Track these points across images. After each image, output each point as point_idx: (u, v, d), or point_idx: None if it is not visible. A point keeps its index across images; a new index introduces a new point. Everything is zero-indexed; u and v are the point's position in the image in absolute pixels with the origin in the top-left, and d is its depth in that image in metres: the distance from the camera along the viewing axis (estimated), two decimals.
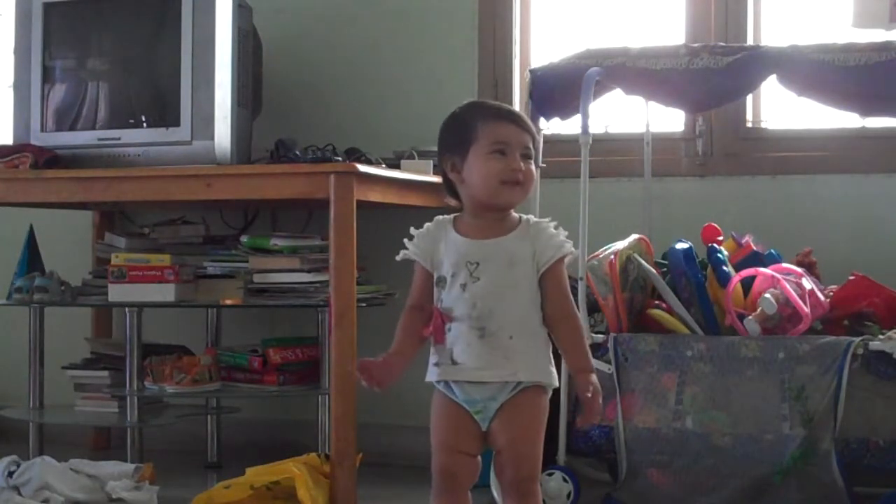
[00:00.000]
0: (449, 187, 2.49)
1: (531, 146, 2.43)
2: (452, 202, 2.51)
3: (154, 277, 3.88)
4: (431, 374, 2.48)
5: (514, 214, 2.47)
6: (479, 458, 2.50)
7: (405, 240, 2.50)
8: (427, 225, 2.49)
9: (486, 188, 2.40)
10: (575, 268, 3.25)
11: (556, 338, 2.43)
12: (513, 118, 2.46)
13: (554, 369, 2.45)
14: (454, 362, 2.42)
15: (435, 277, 2.45)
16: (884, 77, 3.21)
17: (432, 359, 2.47)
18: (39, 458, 3.58)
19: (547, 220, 2.46)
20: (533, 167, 2.43)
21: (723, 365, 3.20)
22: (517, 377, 2.40)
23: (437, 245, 2.45)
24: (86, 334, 4.48)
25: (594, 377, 2.42)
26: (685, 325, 3.33)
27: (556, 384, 2.47)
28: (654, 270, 3.42)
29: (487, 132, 2.41)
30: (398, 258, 2.51)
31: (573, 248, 2.45)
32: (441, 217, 2.50)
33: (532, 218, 2.47)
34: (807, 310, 3.22)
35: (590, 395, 2.40)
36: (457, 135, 2.46)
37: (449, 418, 2.47)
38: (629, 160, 3.93)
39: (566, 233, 2.46)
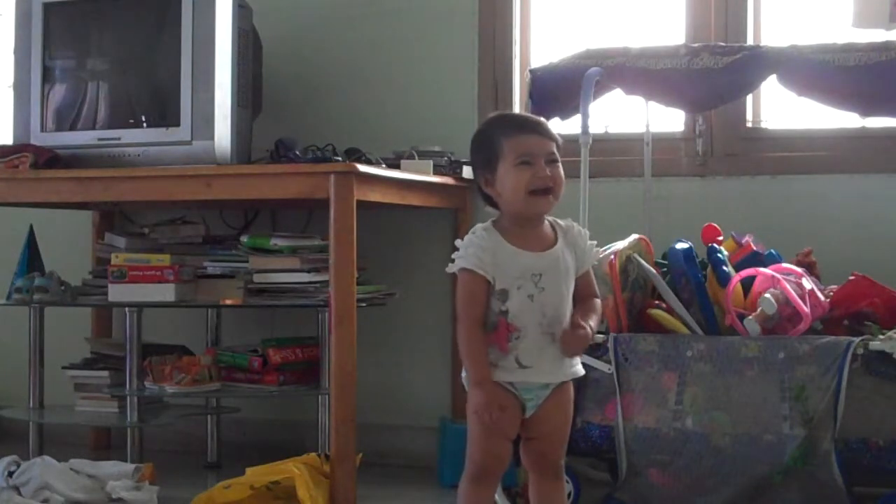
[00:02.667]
0: (486, 198, 2.62)
1: (556, 151, 2.56)
2: (490, 209, 2.63)
3: (154, 277, 3.88)
4: (500, 376, 2.53)
5: (545, 219, 2.60)
6: None
7: (454, 254, 2.55)
8: (476, 236, 2.55)
9: (516, 200, 2.53)
10: None
11: (582, 305, 2.58)
12: (534, 128, 2.57)
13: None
14: (522, 366, 2.52)
15: (495, 290, 2.52)
16: (884, 77, 3.21)
17: (493, 361, 2.53)
18: (39, 458, 3.58)
19: (571, 221, 2.63)
20: (561, 171, 2.56)
21: (723, 365, 3.20)
22: (571, 375, 2.59)
23: (495, 257, 2.53)
24: (86, 334, 4.48)
25: (587, 336, 2.54)
26: (685, 325, 3.33)
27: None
28: (654, 270, 3.42)
29: (512, 146, 2.53)
30: (449, 270, 2.56)
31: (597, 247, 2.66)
32: (483, 226, 2.57)
33: (561, 222, 2.61)
34: (807, 310, 3.22)
35: (573, 334, 2.53)
36: (484, 152, 2.58)
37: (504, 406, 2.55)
38: (629, 160, 3.93)
39: (588, 233, 2.63)
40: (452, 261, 2.54)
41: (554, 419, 2.58)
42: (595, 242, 2.63)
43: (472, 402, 2.53)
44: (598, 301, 2.62)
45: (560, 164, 2.55)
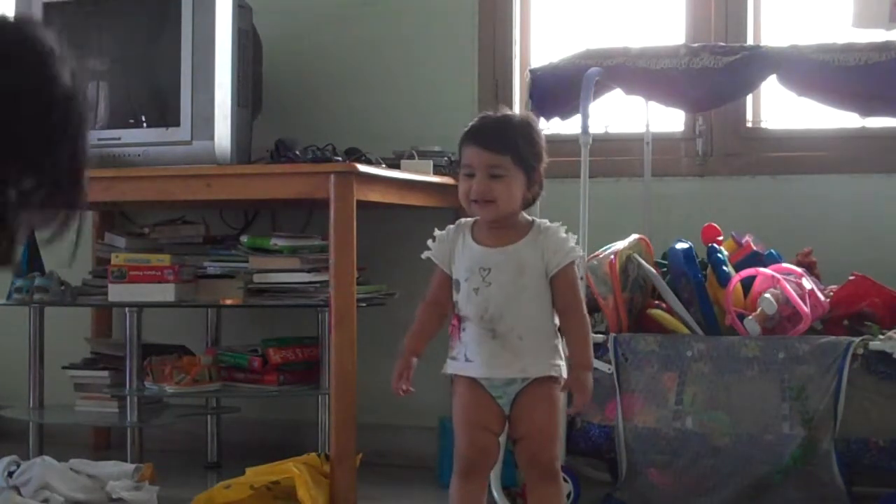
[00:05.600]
0: None
1: (503, 164, 2.55)
2: None
3: (154, 277, 3.88)
4: (449, 368, 2.64)
5: (527, 218, 2.62)
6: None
7: (429, 240, 2.66)
8: (449, 227, 2.66)
9: (465, 206, 2.61)
10: None
11: (563, 330, 2.60)
12: (478, 139, 2.59)
13: (563, 362, 2.60)
14: (468, 359, 2.59)
15: (453, 280, 2.62)
16: (884, 77, 3.21)
17: (449, 352, 2.64)
18: (39, 458, 3.58)
19: (557, 224, 2.61)
20: (508, 183, 2.55)
21: (723, 365, 3.20)
22: (526, 373, 2.57)
23: (453, 249, 2.63)
24: (86, 334, 4.47)
25: (588, 375, 2.58)
26: (685, 325, 3.33)
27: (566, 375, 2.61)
28: (654, 270, 3.42)
29: (463, 154, 2.62)
30: (423, 256, 2.68)
31: (580, 253, 2.65)
32: (463, 220, 2.67)
33: (544, 223, 2.61)
34: (807, 310, 3.22)
35: (576, 391, 2.57)
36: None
37: (475, 399, 2.60)
38: (629, 160, 3.93)
39: (575, 237, 2.62)
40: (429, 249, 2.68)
41: (532, 418, 2.57)
42: (575, 246, 2.58)
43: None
44: (580, 313, 2.59)
45: (508, 178, 2.54)
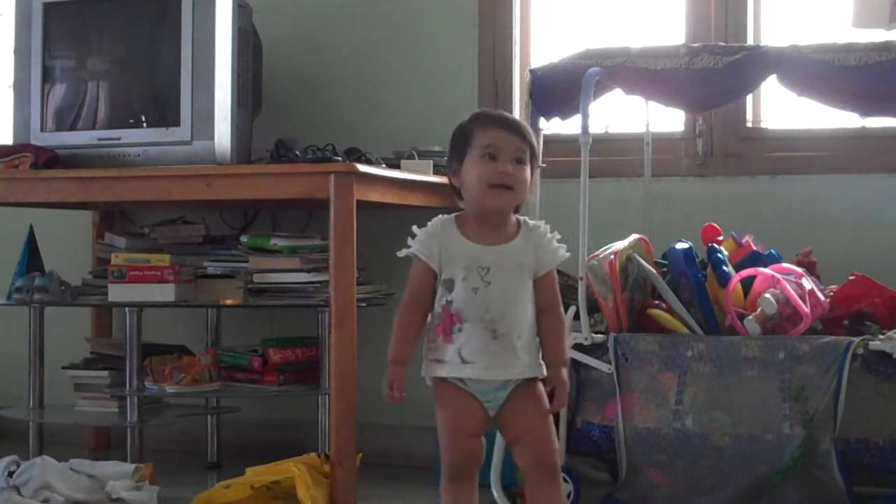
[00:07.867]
0: (456, 191, 2.62)
1: (525, 151, 2.55)
2: (461, 205, 2.61)
3: (154, 277, 3.88)
4: (435, 370, 2.58)
5: (513, 217, 2.58)
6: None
7: (409, 238, 2.58)
8: (431, 224, 2.59)
9: (477, 191, 2.53)
10: (575, 268, 3.25)
11: (540, 328, 2.57)
12: (506, 123, 2.58)
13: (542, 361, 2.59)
14: (464, 360, 2.53)
15: (441, 278, 2.55)
16: (884, 77, 3.21)
17: (432, 354, 2.58)
18: (39, 458, 3.58)
19: (541, 223, 2.60)
20: (527, 172, 2.55)
21: (723, 365, 3.20)
22: (524, 374, 2.54)
23: (443, 246, 2.55)
24: (86, 334, 4.48)
25: (565, 372, 2.57)
26: (685, 325, 3.33)
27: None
28: (654, 270, 3.42)
29: (481, 137, 2.55)
30: (400, 254, 2.60)
31: (568, 254, 2.62)
32: (443, 217, 2.59)
33: (530, 221, 2.59)
34: (807, 310, 3.22)
35: (560, 388, 2.56)
36: (458, 141, 2.60)
37: (463, 405, 2.57)
38: (629, 160, 3.93)
39: (559, 236, 2.60)
40: (408, 247, 2.58)
41: (525, 419, 2.54)
42: (563, 246, 2.58)
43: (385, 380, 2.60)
44: (561, 311, 2.59)
45: (527, 167, 2.54)
